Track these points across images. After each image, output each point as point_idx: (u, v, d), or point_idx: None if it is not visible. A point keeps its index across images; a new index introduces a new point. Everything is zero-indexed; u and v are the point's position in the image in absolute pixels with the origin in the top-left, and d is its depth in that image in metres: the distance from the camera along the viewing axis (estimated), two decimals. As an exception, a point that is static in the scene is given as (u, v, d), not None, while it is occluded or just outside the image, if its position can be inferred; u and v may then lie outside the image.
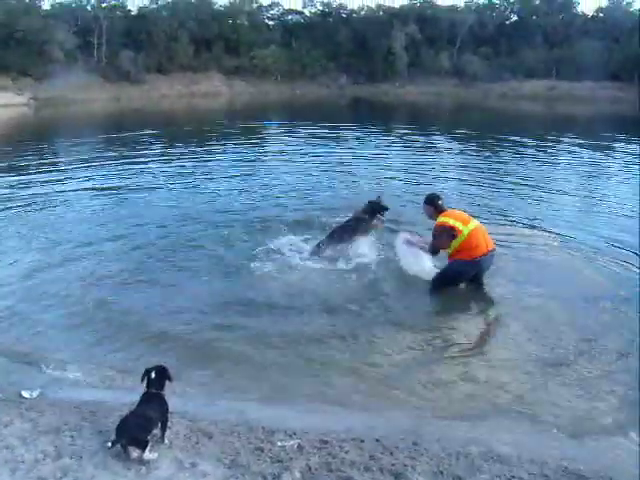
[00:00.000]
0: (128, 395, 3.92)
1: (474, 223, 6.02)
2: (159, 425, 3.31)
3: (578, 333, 5.32)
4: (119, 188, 11.72)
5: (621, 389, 4.38)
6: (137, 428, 3.18)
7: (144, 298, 6.02)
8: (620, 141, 21.40)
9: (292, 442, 3.36)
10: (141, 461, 3.14)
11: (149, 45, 52.52)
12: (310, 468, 3.14)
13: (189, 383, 4.33)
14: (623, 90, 49.33)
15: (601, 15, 61.46)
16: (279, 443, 3.37)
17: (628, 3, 60.57)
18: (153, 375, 3.39)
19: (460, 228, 5.86)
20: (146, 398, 3.36)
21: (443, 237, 5.96)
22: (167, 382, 3.44)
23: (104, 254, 7.35)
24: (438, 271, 6.29)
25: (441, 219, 6.00)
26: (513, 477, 3.19)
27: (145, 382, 3.40)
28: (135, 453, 3.15)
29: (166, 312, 5.66)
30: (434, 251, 6.22)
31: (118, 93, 45.83)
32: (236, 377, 4.48)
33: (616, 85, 50.46)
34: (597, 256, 7.46)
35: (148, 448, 3.16)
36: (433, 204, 6.19)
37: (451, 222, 5.90)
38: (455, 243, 5.88)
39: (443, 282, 6.23)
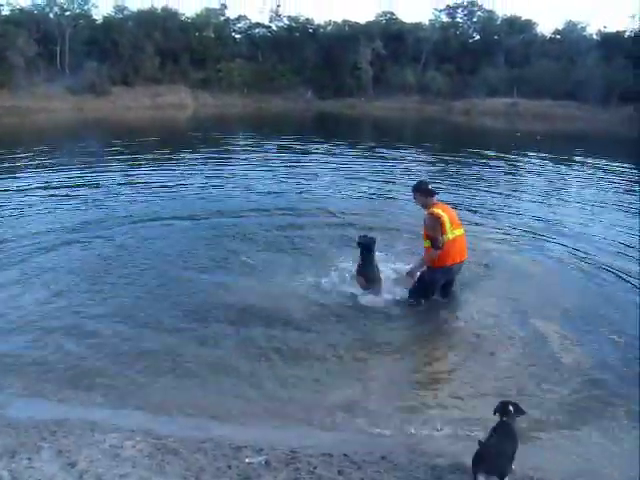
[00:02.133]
0: (91, 413, 3.81)
1: (462, 230, 5.95)
2: None
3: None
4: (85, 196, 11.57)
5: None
6: None
7: (109, 310, 5.87)
8: (578, 155, 22.66)
9: (260, 458, 3.32)
10: None
11: (114, 56, 51.79)
12: (280, 485, 3.11)
13: (153, 400, 4.24)
14: (579, 109, 51.20)
15: (558, 37, 63.75)
16: (246, 459, 3.32)
17: (582, 27, 63.17)
18: None
19: (447, 229, 5.71)
20: None
21: (437, 227, 5.71)
22: None
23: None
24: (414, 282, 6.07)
25: (437, 210, 5.78)
26: (480, 489, 3.21)
27: None
28: None
29: (128, 327, 5.51)
30: (437, 246, 5.72)
31: (82, 104, 44.97)
32: (202, 394, 4.39)
33: (573, 104, 52.25)
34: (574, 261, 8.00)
35: None
36: (426, 190, 5.94)
37: (445, 219, 5.72)
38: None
39: (420, 292, 6.08)
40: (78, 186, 12.68)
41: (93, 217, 9.72)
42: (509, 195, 13.19)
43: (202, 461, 3.33)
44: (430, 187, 6.00)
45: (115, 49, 51.87)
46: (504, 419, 3.41)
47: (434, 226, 5.73)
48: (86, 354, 4.94)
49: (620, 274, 7.39)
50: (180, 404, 4.21)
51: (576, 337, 5.57)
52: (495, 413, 3.48)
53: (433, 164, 19.31)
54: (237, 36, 65.04)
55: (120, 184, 13.10)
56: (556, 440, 3.95)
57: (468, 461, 3.48)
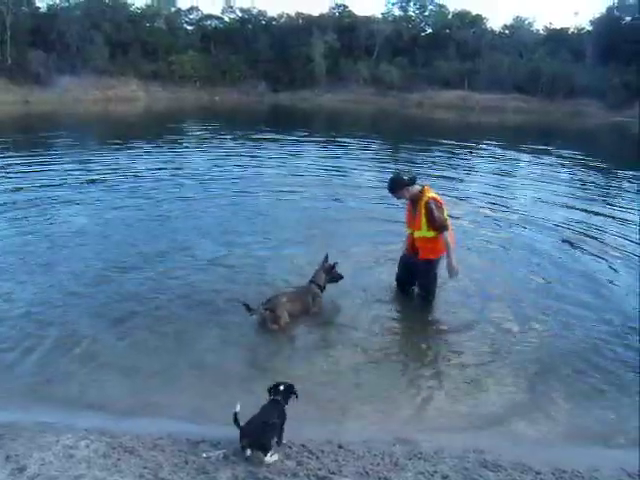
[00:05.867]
0: (42, 415, 3.72)
1: None
2: None
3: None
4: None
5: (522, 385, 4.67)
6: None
7: (60, 311, 5.72)
8: (526, 144, 23.81)
9: (217, 452, 3.31)
10: None
11: (61, 46, 50.05)
12: (237, 477, 3.11)
13: (107, 399, 4.17)
14: (527, 101, 52.74)
15: (507, 32, 65.36)
16: (204, 454, 3.31)
17: (530, 23, 65.00)
18: None
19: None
20: None
21: (443, 209, 5.51)
22: None
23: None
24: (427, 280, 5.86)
25: (433, 194, 5.56)
26: (435, 472, 3.30)
27: None
28: None
29: (76, 326, 5.39)
30: (447, 227, 5.50)
31: (27, 95, 43.29)
32: (157, 391, 4.33)
33: (521, 97, 53.75)
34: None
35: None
36: (408, 182, 5.59)
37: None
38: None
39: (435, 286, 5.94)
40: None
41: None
42: (462, 180, 14.04)
43: (159, 458, 3.30)
44: (406, 177, 5.66)
45: (61, 39, 50.11)
46: (273, 397, 3.54)
47: (442, 209, 5.53)
48: (33, 355, 4.80)
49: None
50: (135, 402, 4.15)
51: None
52: (269, 392, 3.59)
53: (388, 152, 19.89)
54: (189, 28, 64.01)
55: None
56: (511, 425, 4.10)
57: (425, 448, 3.58)
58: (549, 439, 3.93)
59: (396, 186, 5.63)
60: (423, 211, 5.51)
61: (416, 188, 5.63)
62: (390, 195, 5.84)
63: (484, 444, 3.70)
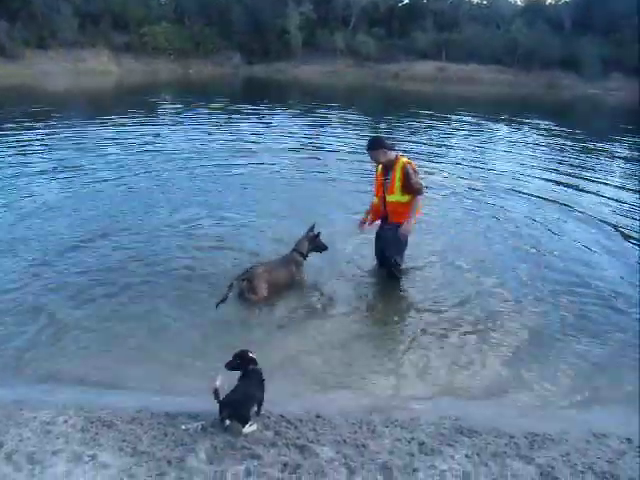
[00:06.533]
0: (18, 392, 3.68)
1: None
2: None
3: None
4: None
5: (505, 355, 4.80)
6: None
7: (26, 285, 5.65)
8: (504, 116, 24.30)
9: (196, 424, 3.33)
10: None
11: (27, 16, 48.25)
12: (215, 448, 3.14)
13: (84, 374, 4.16)
14: (504, 72, 52.80)
15: (485, 3, 65.02)
16: (182, 426, 3.32)
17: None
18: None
19: None
20: None
21: (417, 173, 5.62)
22: None
23: None
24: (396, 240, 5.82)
25: (407, 159, 5.67)
26: (413, 439, 3.36)
27: None
28: None
29: (51, 301, 5.33)
30: (423, 191, 5.65)
31: (-8, 68, 41.85)
32: (135, 364, 4.35)
33: (498, 68, 53.76)
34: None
35: None
36: (383, 145, 5.64)
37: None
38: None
39: (403, 250, 5.98)
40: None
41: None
42: (439, 150, 14.35)
43: (138, 431, 3.31)
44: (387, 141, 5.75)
45: (27, 9, 48.28)
46: (253, 368, 3.53)
47: (417, 173, 5.63)
48: (9, 332, 4.76)
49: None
50: (112, 376, 4.16)
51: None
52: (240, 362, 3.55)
53: (366, 125, 19.88)
54: (161, -2, 62.33)
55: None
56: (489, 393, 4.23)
57: (401, 416, 3.65)
58: (524, 406, 4.06)
59: (376, 145, 5.66)
60: (399, 175, 5.58)
61: (392, 154, 5.69)
62: (367, 156, 5.86)
63: (460, 412, 3.78)
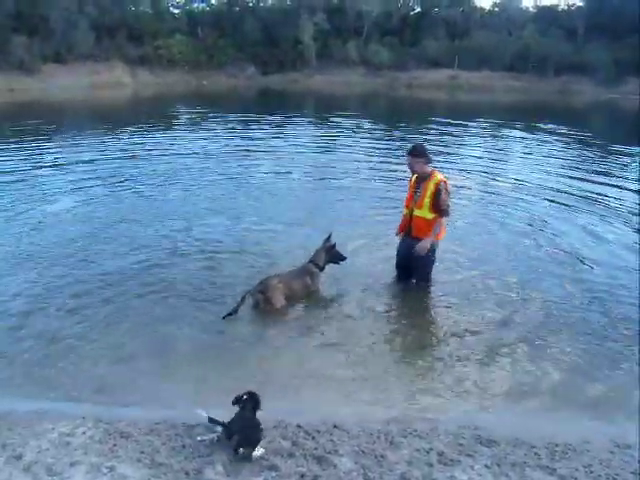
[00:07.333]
0: (38, 404, 3.70)
1: None
2: None
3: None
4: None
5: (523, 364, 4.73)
6: None
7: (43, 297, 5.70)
8: (518, 122, 23.97)
9: (212, 435, 3.33)
10: None
11: (45, 31, 48.91)
12: (232, 460, 3.13)
13: (103, 387, 4.19)
14: (517, 79, 52.47)
15: (496, 10, 64.87)
16: (199, 437, 3.33)
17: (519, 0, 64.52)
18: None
19: None
20: None
21: (449, 195, 5.57)
22: None
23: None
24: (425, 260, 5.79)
25: (443, 177, 5.61)
26: (431, 449, 3.33)
27: None
28: None
29: (63, 315, 5.37)
30: (448, 212, 5.61)
31: (10, 83, 42.40)
32: (152, 376, 4.35)
33: (511, 75, 53.47)
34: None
35: None
36: (425, 155, 5.58)
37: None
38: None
39: (431, 270, 5.96)
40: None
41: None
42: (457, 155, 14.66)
43: (156, 442, 3.31)
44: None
45: (45, 25, 48.95)
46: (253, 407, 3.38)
47: (448, 194, 5.57)
48: (28, 345, 4.79)
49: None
50: (131, 388, 4.17)
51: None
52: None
53: (381, 133, 20.00)
54: (175, 11, 63.03)
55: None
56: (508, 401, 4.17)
57: (420, 426, 3.61)
58: (544, 414, 3.99)
59: (419, 153, 5.58)
60: (429, 192, 5.54)
61: (428, 168, 5.66)
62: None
63: (479, 421, 3.74)
